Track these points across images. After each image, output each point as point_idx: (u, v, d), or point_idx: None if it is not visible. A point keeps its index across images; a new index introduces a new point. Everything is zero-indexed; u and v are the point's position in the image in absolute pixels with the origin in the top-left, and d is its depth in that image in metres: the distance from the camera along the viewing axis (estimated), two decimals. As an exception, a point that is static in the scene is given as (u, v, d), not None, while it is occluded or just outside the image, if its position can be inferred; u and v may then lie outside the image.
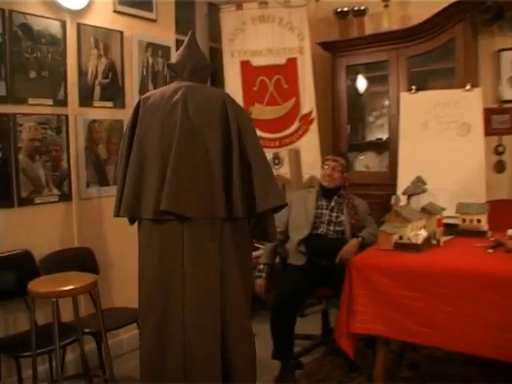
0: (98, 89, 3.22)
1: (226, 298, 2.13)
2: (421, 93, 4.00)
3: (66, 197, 3.04)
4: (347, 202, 3.27)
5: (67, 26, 3.01)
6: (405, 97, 4.05)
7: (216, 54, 4.40)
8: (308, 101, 4.26)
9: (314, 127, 4.29)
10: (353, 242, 3.05)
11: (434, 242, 2.69)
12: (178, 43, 3.99)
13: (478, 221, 2.92)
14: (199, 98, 2.12)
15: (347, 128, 4.50)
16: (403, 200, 3.02)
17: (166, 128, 2.10)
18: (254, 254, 3.12)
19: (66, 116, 3.03)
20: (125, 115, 3.32)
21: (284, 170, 4.31)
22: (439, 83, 4.09)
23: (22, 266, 2.75)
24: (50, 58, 2.93)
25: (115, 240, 3.27)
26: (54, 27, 2.94)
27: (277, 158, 4.29)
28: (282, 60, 4.23)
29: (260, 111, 4.22)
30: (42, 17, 2.88)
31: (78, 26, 3.07)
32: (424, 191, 2.98)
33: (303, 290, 3.00)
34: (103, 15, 3.22)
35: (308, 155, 4.31)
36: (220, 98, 2.13)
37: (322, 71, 4.54)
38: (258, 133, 4.27)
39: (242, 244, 2.21)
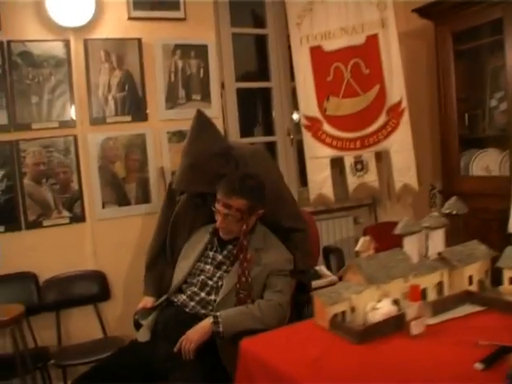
0: (111, 104, 3.06)
1: None
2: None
3: (78, 218, 3.00)
4: (243, 258, 2.15)
5: (71, 44, 2.94)
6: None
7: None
8: (396, 87, 3.32)
9: (405, 120, 3.33)
10: (201, 325, 2.04)
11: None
12: (234, 37, 3.57)
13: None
14: None
15: (464, 117, 3.35)
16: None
17: None
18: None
19: (75, 136, 2.98)
20: (147, 128, 3.13)
21: (370, 178, 3.44)
22: None
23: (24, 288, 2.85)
24: (53, 80, 2.92)
25: (130, 264, 3.10)
26: (56, 48, 2.92)
27: (359, 163, 3.45)
28: (360, 39, 3.37)
29: (336, 106, 3.45)
30: (43, 41, 2.89)
31: (85, 42, 2.97)
32: (439, 227, 1.88)
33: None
34: (115, 25, 3.04)
35: (400, 157, 3.36)
36: None
37: (411, 47, 3.52)
38: (335, 132, 3.54)
39: None
